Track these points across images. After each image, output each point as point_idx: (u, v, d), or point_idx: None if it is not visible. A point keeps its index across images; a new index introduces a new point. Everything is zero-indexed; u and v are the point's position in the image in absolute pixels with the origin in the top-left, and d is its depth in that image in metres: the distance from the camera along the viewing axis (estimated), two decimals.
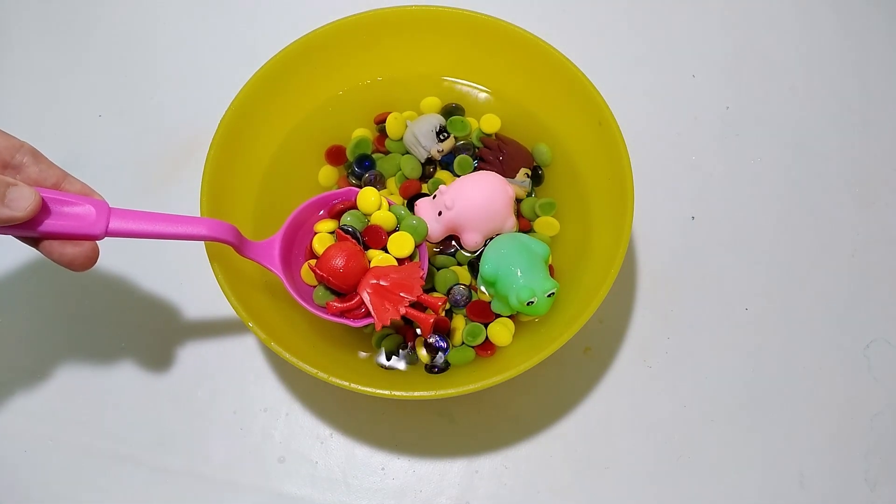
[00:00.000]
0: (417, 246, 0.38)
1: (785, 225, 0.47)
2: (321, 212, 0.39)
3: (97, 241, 0.32)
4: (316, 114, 0.46)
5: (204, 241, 0.34)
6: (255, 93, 0.42)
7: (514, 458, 0.40)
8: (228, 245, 0.35)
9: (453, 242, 0.41)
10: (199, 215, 0.39)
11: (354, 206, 0.38)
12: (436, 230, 0.40)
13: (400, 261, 0.37)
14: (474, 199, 0.39)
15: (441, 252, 0.41)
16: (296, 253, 0.39)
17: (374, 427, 0.41)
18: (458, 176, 0.43)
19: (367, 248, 0.38)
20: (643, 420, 0.41)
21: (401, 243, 0.38)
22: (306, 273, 0.38)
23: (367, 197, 0.38)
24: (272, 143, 0.44)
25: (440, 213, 0.39)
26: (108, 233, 0.32)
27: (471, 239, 0.40)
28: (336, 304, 0.36)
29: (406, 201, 0.43)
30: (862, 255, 0.46)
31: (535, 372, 0.41)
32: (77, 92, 0.52)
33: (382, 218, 0.38)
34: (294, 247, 0.39)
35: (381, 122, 0.45)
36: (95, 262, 0.32)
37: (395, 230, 0.38)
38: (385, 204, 0.39)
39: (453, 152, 0.44)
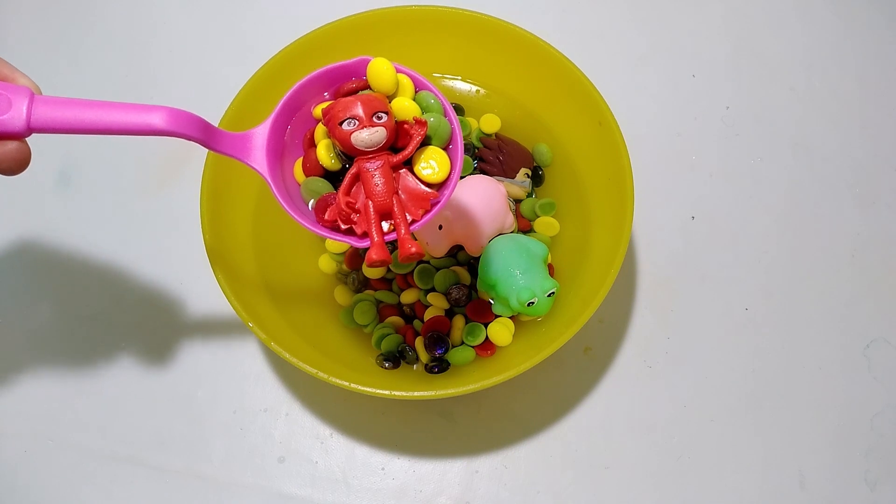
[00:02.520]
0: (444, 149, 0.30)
1: (785, 225, 0.47)
2: (325, 93, 0.31)
3: (26, 140, 0.27)
4: None
5: (160, 135, 0.27)
6: (254, 93, 0.42)
7: (514, 458, 0.40)
8: (193, 141, 0.28)
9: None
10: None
11: (367, 86, 0.30)
12: (440, 245, 0.39)
13: (430, 186, 0.30)
14: (473, 205, 0.39)
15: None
16: (289, 144, 0.31)
17: (374, 427, 0.41)
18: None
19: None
20: (643, 420, 0.41)
21: (434, 161, 0.29)
22: (300, 170, 0.31)
23: (379, 69, 0.29)
24: None
25: (440, 227, 0.38)
26: (32, 128, 0.26)
27: (476, 244, 0.40)
28: (329, 213, 0.29)
29: None
30: (862, 256, 0.46)
31: (536, 372, 0.41)
32: (76, 92, 0.52)
33: (404, 108, 0.29)
34: (287, 136, 0.31)
35: None
36: (27, 164, 0.27)
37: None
38: (406, 85, 0.30)
39: None
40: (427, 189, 0.29)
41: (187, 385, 0.42)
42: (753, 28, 0.54)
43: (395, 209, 0.29)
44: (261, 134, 0.30)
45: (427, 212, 0.29)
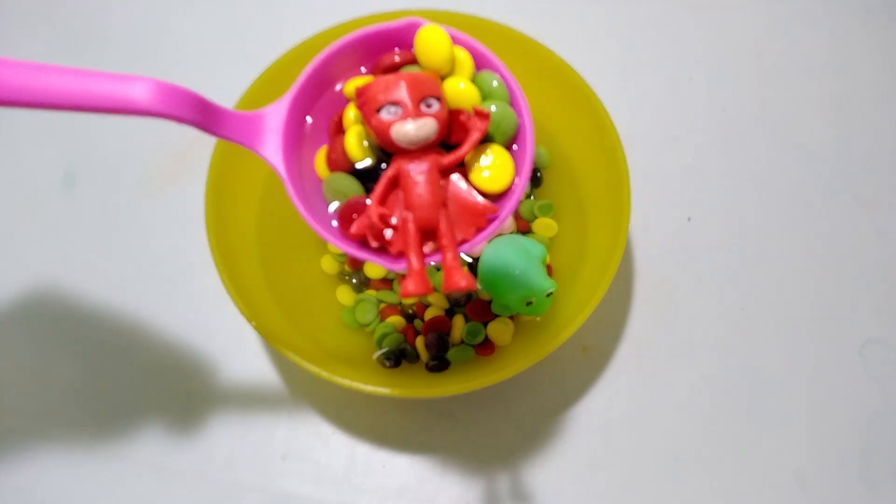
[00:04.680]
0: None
1: (781, 225, 0.47)
2: (362, 68, 0.25)
3: None
4: None
5: (143, 115, 0.21)
6: (258, 95, 0.42)
7: (513, 458, 0.40)
8: (186, 124, 0.22)
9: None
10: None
11: (414, 61, 0.24)
12: None
13: (487, 196, 0.24)
14: None
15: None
16: (311, 130, 0.25)
17: (375, 426, 0.41)
18: None
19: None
20: (640, 419, 0.41)
21: (494, 165, 0.23)
22: (322, 163, 0.24)
23: (431, 39, 0.23)
24: None
25: None
26: None
27: (477, 245, 0.40)
28: (358, 223, 0.23)
29: None
30: (858, 256, 0.46)
31: (534, 371, 0.41)
32: None
33: (459, 93, 0.23)
34: (311, 116, 0.25)
35: None
36: None
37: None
38: (464, 61, 0.23)
39: None
40: (483, 201, 0.23)
41: (188, 383, 0.42)
42: (750, 30, 0.54)
43: (442, 226, 0.23)
44: (276, 114, 0.24)
45: (481, 230, 0.23)
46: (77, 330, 0.44)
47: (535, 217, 0.43)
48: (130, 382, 0.42)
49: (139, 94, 0.21)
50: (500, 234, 0.41)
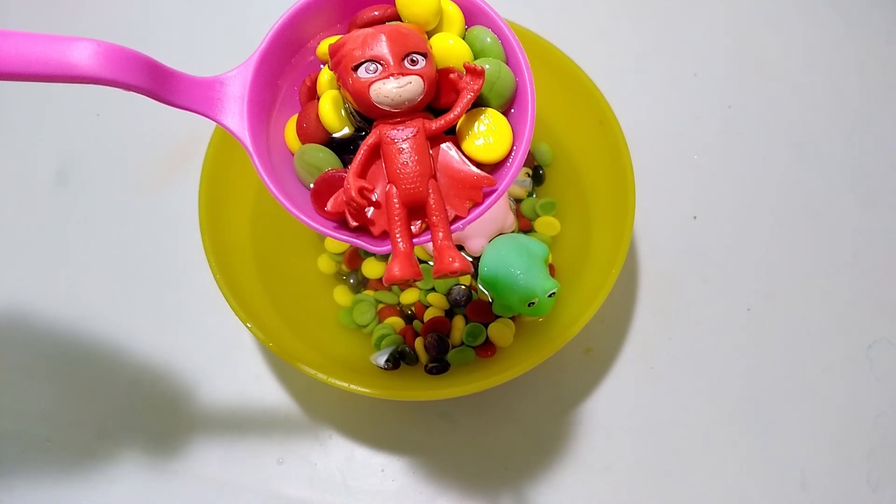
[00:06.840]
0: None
1: (787, 225, 0.47)
2: (338, 25, 0.23)
3: None
4: None
5: (87, 81, 0.19)
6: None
7: (514, 460, 0.40)
8: (136, 91, 0.20)
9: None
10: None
11: (396, 16, 0.22)
12: None
13: (483, 167, 0.21)
14: None
15: None
16: (282, 96, 0.23)
17: (373, 428, 0.41)
18: None
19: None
20: (644, 421, 0.41)
21: (489, 130, 0.21)
22: (293, 134, 0.22)
23: None
24: None
25: None
26: None
27: (476, 244, 0.40)
28: (336, 199, 0.21)
29: None
30: (864, 256, 0.46)
31: (536, 373, 0.41)
32: (75, 91, 0.52)
33: (448, 50, 0.21)
34: (280, 81, 0.23)
35: None
36: None
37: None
38: (453, 15, 0.21)
39: None
40: (478, 171, 0.21)
41: (185, 385, 0.42)
42: (755, 26, 0.54)
43: (432, 201, 0.20)
44: (239, 78, 0.21)
45: (477, 205, 0.21)
46: (68, 329, 0.44)
47: (538, 215, 0.42)
48: (124, 384, 0.42)
49: (80, 57, 0.18)
50: (501, 234, 0.40)
